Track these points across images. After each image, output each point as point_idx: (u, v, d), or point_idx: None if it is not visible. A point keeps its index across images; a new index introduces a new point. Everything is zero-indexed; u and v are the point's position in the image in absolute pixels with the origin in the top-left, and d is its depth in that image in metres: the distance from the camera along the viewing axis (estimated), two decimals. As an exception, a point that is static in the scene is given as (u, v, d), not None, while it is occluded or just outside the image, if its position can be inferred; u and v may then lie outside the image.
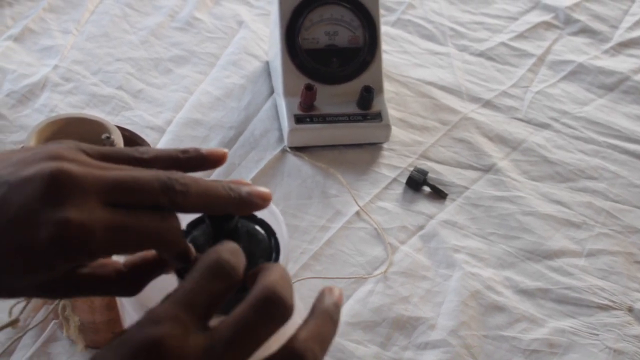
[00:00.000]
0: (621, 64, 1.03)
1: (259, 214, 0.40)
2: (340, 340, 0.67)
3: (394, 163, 0.84)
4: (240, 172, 0.81)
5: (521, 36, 1.06)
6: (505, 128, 0.91)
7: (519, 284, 0.74)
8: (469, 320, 0.69)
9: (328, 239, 0.75)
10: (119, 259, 0.38)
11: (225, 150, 0.39)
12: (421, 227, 0.78)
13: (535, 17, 1.10)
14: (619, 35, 1.08)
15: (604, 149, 0.90)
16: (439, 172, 0.84)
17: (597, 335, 0.70)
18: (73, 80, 0.89)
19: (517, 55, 1.03)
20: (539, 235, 0.78)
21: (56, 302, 0.58)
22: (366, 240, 0.76)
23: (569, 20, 1.09)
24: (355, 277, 0.72)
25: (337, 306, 0.35)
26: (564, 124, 0.93)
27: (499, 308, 0.71)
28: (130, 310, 0.44)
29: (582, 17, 1.10)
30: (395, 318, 0.69)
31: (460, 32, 1.05)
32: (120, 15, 0.99)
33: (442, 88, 0.96)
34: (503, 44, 1.04)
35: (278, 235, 0.40)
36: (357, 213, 0.78)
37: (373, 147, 0.86)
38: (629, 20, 1.11)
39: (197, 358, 0.30)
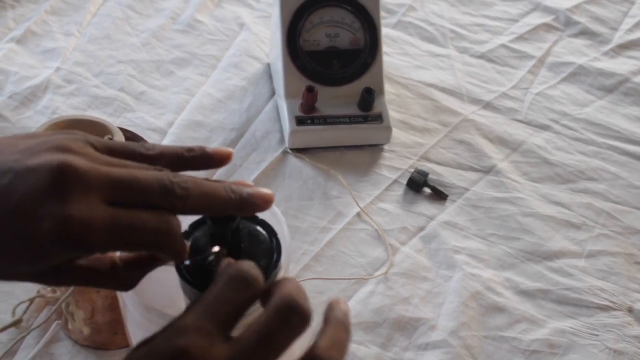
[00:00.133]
0: (621, 65, 1.03)
1: (261, 215, 0.40)
2: (341, 341, 0.67)
3: (395, 164, 0.85)
4: (241, 174, 0.81)
5: (521, 38, 1.06)
6: (506, 129, 0.91)
7: (519, 285, 0.74)
8: (470, 321, 0.70)
9: (329, 240, 0.76)
10: (115, 252, 0.39)
11: (231, 149, 0.39)
12: (422, 228, 0.78)
13: (536, 19, 1.10)
14: (619, 37, 1.08)
15: (604, 150, 0.91)
16: (440, 174, 0.84)
17: (597, 335, 0.71)
18: (75, 82, 0.89)
19: (517, 57, 1.03)
20: (539, 236, 0.79)
21: (59, 302, 0.58)
22: (367, 242, 0.76)
23: (569, 22, 1.10)
24: (356, 278, 0.73)
25: (348, 315, 0.36)
26: (564, 125, 0.93)
27: (499, 309, 0.71)
28: (133, 310, 0.44)
29: (582, 19, 1.10)
30: (395, 319, 0.69)
31: (461, 34, 1.06)
32: (122, 17, 0.99)
33: (443, 90, 0.96)
34: (503, 45, 1.04)
35: (279, 236, 0.40)
36: (358, 214, 0.79)
37: (374, 149, 0.86)
38: (628, 22, 1.11)
39: None
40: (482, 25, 1.08)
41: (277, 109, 0.88)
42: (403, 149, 0.87)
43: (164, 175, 0.35)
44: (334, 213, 0.79)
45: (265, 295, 0.34)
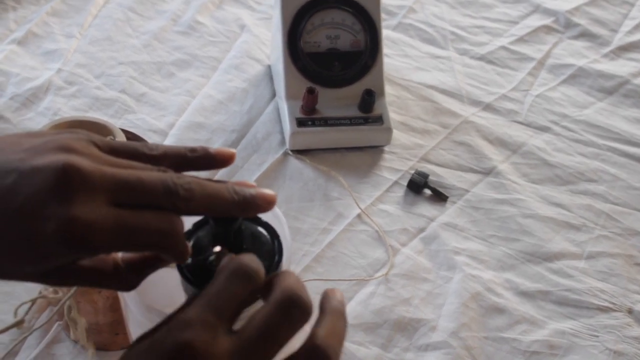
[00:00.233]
0: (621, 67, 1.03)
1: (262, 216, 0.40)
2: (341, 342, 0.67)
3: (395, 166, 0.85)
4: (242, 175, 0.81)
5: (521, 40, 1.06)
6: (506, 131, 0.91)
7: (519, 286, 0.74)
8: (470, 322, 0.70)
9: (330, 242, 0.76)
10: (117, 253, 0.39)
11: (234, 150, 0.39)
12: (422, 230, 0.79)
13: (536, 21, 1.10)
14: (619, 39, 1.08)
15: (604, 152, 0.91)
16: (440, 175, 0.84)
17: (597, 336, 0.71)
18: (76, 83, 0.89)
19: (518, 59, 1.03)
20: (539, 237, 0.79)
21: (61, 303, 0.58)
22: (367, 243, 0.76)
23: (569, 24, 1.10)
24: (357, 279, 0.73)
25: (343, 304, 0.36)
26: (563, 127, 0.94)
27: (499, 310, 0.72)
28: (134, 310, 0.44)
29: (582, 21, 1.10)
30: (396, 320, 0.70)
31: (461, 35, 1.06)
32: (123, 19, 1.00)
33: (443, 91, 0.96)
34: (503, 47, 1.05)
35: (281, 238, 0.40)
36: (359, 215, 0.79)
37: (374, 150, 0.86)
38: (628, 24, 1.11)
39: None
40: (482, 27, 1.08)
41: (277, 110, 0.88)
42: (403, 151, 0.87)
43: (168, 176, 0.35)
44: (334, 214, 0.79)
45: (265, 288, 0.35)
